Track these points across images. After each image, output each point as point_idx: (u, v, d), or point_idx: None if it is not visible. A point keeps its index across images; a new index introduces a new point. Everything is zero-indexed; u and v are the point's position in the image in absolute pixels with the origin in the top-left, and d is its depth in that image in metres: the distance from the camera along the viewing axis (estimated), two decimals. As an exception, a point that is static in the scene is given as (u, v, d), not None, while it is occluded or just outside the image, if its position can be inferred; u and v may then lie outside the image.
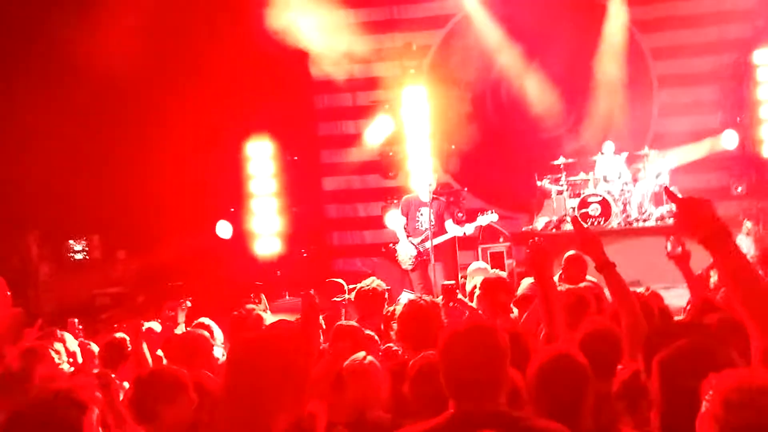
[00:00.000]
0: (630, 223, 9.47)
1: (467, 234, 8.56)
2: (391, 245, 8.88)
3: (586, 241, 3.13)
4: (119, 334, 4.16)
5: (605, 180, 9.63)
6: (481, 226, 8.59)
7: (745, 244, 8.18)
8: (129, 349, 3.97)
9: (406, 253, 8.57)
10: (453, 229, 8.46)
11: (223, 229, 10.19)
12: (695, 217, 2.14)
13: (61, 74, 9.20)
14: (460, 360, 2.34)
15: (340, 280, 5.83)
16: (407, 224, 8.64)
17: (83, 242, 10.44)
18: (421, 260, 8.55)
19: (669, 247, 3.86)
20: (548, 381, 2.54)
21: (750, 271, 2.11)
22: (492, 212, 8.39)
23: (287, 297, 9.73)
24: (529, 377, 2.59)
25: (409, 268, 8.60)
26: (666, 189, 3.70)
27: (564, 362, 2.56)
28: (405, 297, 5.57)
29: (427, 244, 8.48)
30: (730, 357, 2.41)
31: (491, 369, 2.38)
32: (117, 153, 9.55)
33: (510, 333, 2.57)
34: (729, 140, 10.17)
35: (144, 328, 4.18)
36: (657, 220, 9.41)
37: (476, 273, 5.86)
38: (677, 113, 10.57)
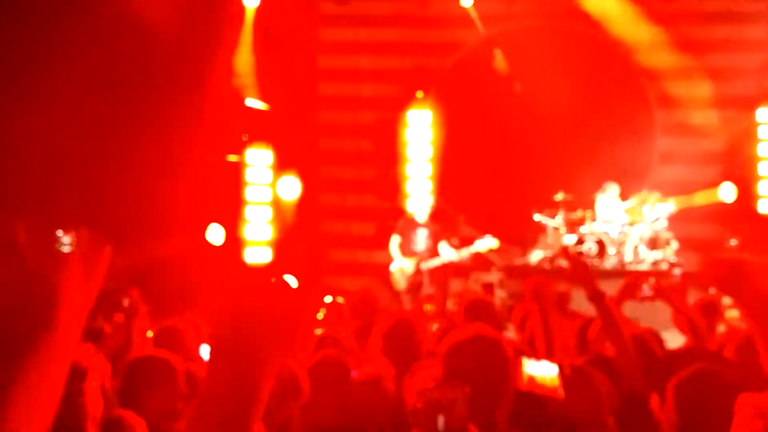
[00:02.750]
0: (624, 266, 9.44)
1: (462, 258, 8.48)
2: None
3: (578, 270, 3.28)
4: None
5: (603, 220, 9.61)
6: (476, 252, 8.51)
7: None
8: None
9: (400, 273, 8.47)
10: (447, 253, 8.38)
11: (215, 234, 10.04)
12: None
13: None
14: (463, 369, 2.27)
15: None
16: (402, 244, 8.56)
17: (72, 235, 10.23)
18: (415, 282, 8.45)
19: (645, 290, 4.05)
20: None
21: None
22: (490, 237, 8.32)
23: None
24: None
25: (403, 288, 8.49)
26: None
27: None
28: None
29: (422, 266, 8.39)
30: (744, 378, 2.35)
31: (495, 379, 2.31)
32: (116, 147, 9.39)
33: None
34: (727, 193, 10.22)
35: None
36: (651, 264, 9.39)
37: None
38: (677, 161, 10.64)
